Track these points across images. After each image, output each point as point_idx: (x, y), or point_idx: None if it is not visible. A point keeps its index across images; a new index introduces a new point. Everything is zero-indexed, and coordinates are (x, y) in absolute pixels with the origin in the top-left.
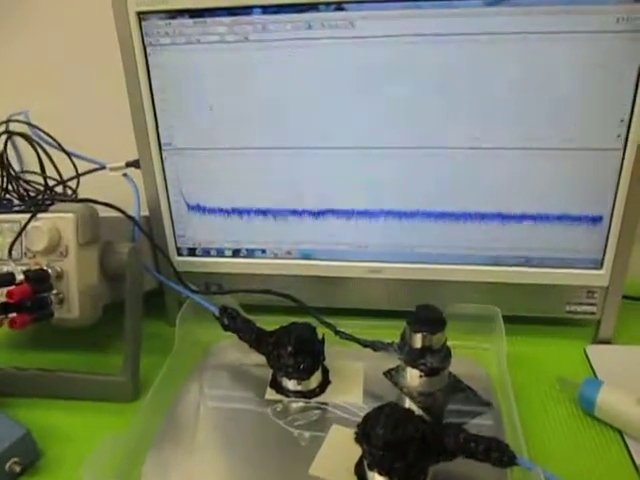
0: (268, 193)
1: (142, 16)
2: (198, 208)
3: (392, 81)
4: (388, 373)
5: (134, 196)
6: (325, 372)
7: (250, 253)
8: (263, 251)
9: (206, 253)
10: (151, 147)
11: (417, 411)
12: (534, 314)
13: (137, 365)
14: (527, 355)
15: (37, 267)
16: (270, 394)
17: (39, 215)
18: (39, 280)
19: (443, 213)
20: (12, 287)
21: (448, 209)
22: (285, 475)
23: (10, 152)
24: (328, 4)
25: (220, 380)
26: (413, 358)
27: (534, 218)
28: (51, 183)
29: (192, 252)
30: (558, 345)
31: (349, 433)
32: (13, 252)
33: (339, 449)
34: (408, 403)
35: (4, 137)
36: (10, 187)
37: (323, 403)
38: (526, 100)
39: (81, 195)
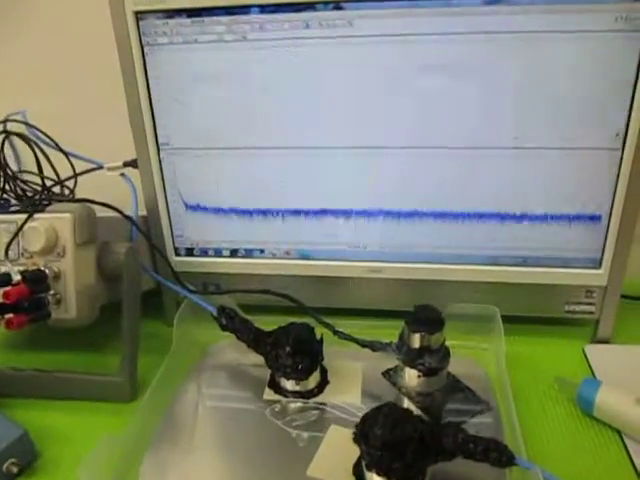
0: (266, 193)
1: (139, 15)
2: (196, 208)
3: (390, 81)
4: (386, 373)
5: (132, 196)
6: (323, 372)
7: (248, 253)
8: (261, 251)
9: (204, 253)
10: (149, 147)
11: (416, 411)
12: (533, 314)
13: (135, 365)
14: (526, 355)
15: (34, 267)
16: (268, 394)
17: (36, 215)
18: (36, 280)
19: (441, 213)
20: (9, 288)
21: (446, 209)
22: (283, 476)
23: (7, 152)
24: (326, 3)
25: (218, 380)
26: (411, 358)
27: (533, 218)
28: (48, 183)
29: (190, 252)
30: (557, 345)
31: (347, 433)
32: (10, 252)
33: (337, 449)
34: (407, 403)
35: (1, 137)
36: (7, 187)
37: (321, 403)
38: (524, 99)
39: (79, 195)
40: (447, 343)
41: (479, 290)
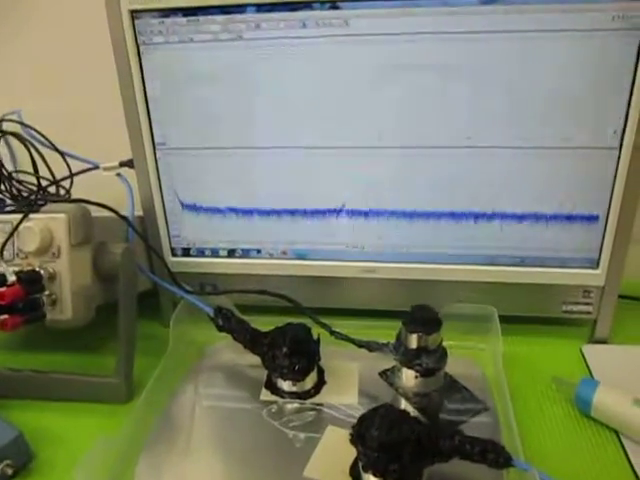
0: (263, 193)
1: (135, 15)
2: (192, 208)
3: (387, 80)
4: (384, 374)
5: (128, 196)
6: (320, 373)
7: (245, 253)
8: (258, 251)
9: (201, 253)
10: (145, 147)
11: (413, 412)
12: (530, 314)
13: (131, 366)
14: (523, 355)
15: (29, 268)
16: (265, 395)
17: (31, 215)
18: (31, 281)
19: (438, 213)
20: (3, 288)
21: (443, 209)
22: (280, 477)
23: (3, 151)
24: (322, 2)
25: (214, 381)
26: (409, 359)
27: (530, 218)
28: (44, 183)
29: (186, 252)
30: (554, 345)
31: (344, 434)
32: (5, 253)
33: (334, 450)
34: (404, 404)
35: None
36: (3, 187)
37: (318, 404)
38: (522, 99)
39: (75, 195)
40: (444, 343)
41: (476, 290)
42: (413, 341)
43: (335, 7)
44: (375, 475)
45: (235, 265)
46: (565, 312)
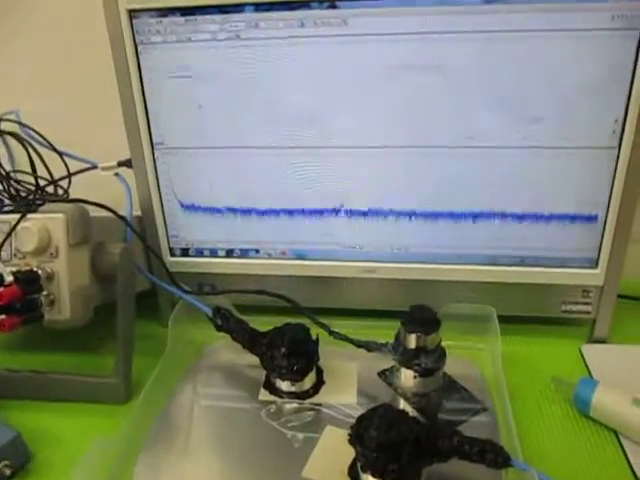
0: (261, 192)
1: (133, 14)
2: (191, 208)
3: (386, 80)
4: (382, 374)
5: (126, 196)
6: (319, 373)
7: (244, 253)
8: (257, 251)
9: (199, 253)
10: (143, 146)
11: (411, 412)
12: (529, 314)
13: (129, 367)
14: (522, 355)
15: (27, 268)
16: (264, 395)
17: (29, 215)
18: (29, 281)
19: (438, 212)
20: (1, 289)
21: (443, 209)
22: (278, 477)
23: (1, 151)
24: (321, 2)
25: (213, 381)
26: (407, 359)
27: (529, 217)
28: (42, 183)
29: (185, 252)
30: (553, 345)
31: (343, 434)
32: (2, 253)
33: (333, 451)
34: (402, 404)
35: None
36: (0, 187)
37: (317, 404)
38: (522, 98)
39: (73, 195)
40: (443, 343)
41: (475, 290)
42: (412, 341)
43: (333, 6)
44: (374, 475)
45: (234, 265)
46: (564, 312)
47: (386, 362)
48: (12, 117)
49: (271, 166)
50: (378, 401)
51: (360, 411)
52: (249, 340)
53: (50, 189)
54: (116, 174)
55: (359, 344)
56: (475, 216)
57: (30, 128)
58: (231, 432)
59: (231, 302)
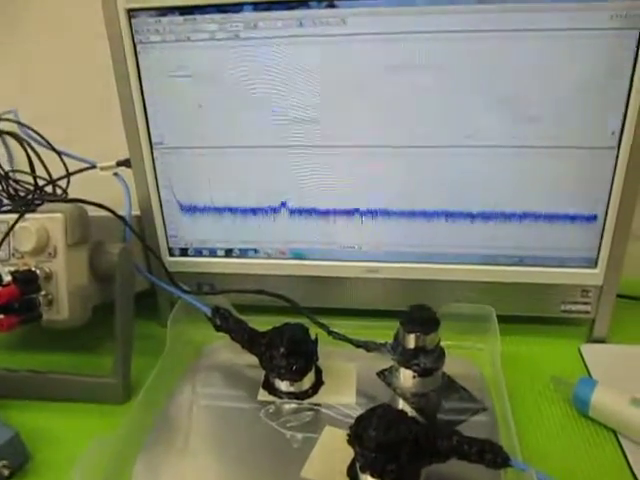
0: (260, 192)
1: (132, 13)
2: (190, 207)
3: (384, 79)
4: (381, 374)
5: (125, 195)
6: (318, 373)
7: (243, 253)
8: (256, 251)
9: (198, 253)
10: (142, 146)
11: (410, 412)
12: (528, 313)
13: (128, 366)
14: (521, 355)
15: (25, 268)
16: (262, 395)
17: (28, 215)
18: (27, 281)
19: (437, 212)
20: None
21: (442, 208)
22: (277, 477)
23: (0, 150)
24: (319, 1)
25: (212, 381)
26: (406, 359)
27: (529, 217)
28: (41, 182)
29: (184, 252)
30: (552, 344)
31: (342, 434)
32: (1, 253)
33: (332, 451)
34: (401, 404)
35: None
36: None
37: (316, 404)
38: (520, 97)
39: (71, 195)
40: (442, 343)
41: (474, 290)
42: (411, 341)
43: (332, 6)
44: (373, 475)
45: (233, 265)
46: (563, 311)
47: (385, 362)
48: (11, 117)
49: (270, 166)
50: (377, 401)
51: (359, 411)
52: (248, 340)
53: (49, 189)
54: (115, 174)
55: (358, 344)
56: (474, 216)
57: (29, 127)
58: (230, 432)
59: (230, 302)
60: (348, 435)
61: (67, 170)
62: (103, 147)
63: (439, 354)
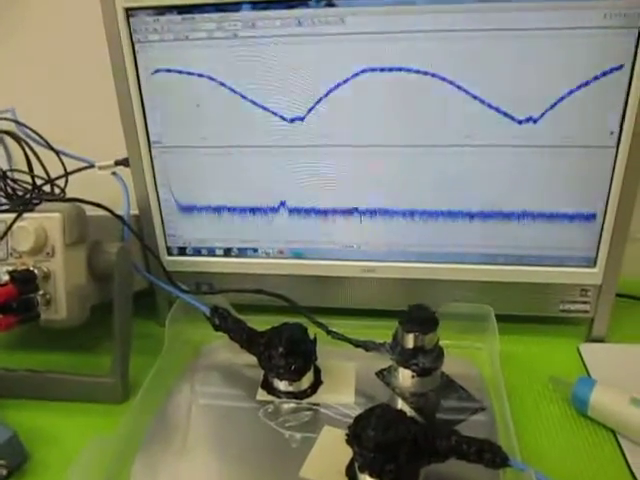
0: (259, 191)
1: (130, 12)
2: (188, 207)
3: (384, 78)
4: (380, 373)
5: (123, 195)
6: (317, 372)
7: (242, 252)
8: (255, 250)
9: (197, 252)
10: (140, 145)
11: (409, 412)
12: (527, 313)
13: (126, 366)
14: (520, 354)
15: (23, 267)
16: (261, 395)
17: (25, 215)
18: (25, 281)
19: (436, 211)
20: None
21: (441, 207)
22: (276, 477)
23: None
24: (318, 0)
25: (211, 380)
26: (405, 358)
27: (528, 216)
28: (39, 182)
29: (182, 251)
30: (551, 344)
31: (340, 434)
32: None
33: (330, 451)
34: (400, 404)
35: None
36: None
37: (314, 404)
38: (519, 97)
39: (69, 194)
40: (441, 343)
41: (473, 289)
42: (410, 341)
43: (331, 5)
44: (371, 475)
45: (231, 264)
46: (562, 311)
47: (384, 362)
48: (8, 115)
49: (268, 165)
50: (376, 401)
51: (358, 411)
52: (247, 339)
53: (47, 188)
54: (113, 173)
55: (357, 344)
56: (473, 215)
57: (27, 127)
58: (229, 432)
59: (229, 301)
60: (347, 435)
61: (65, 169)
62: (101, 146)
63: (438, 354)
